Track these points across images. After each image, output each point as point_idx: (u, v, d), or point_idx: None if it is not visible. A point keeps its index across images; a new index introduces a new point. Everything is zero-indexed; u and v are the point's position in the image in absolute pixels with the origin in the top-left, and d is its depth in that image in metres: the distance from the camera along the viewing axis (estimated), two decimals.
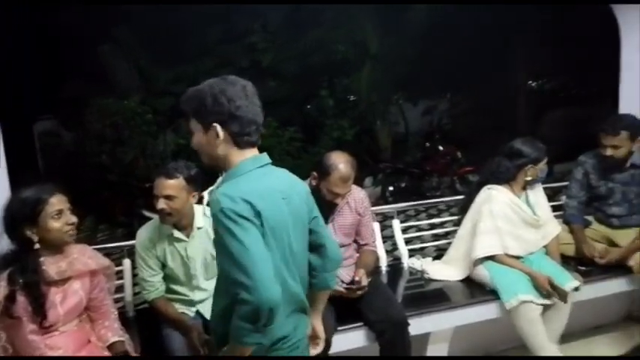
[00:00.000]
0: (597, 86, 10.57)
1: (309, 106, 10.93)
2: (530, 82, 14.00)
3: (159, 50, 9.31)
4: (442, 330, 2.40)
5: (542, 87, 14.28)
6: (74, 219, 1.73)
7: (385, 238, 3.13)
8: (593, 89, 11.32)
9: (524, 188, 2.57)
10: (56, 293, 1.71)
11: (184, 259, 2.08)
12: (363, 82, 10.33)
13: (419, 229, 3.39)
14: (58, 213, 1.67)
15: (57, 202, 1.67)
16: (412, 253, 3.16)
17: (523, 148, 2.48)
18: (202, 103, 1.33)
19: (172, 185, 1.96)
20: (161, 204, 1.96)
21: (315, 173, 2.15)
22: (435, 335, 2.41)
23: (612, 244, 2.74)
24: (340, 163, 2.08)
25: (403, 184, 9.17)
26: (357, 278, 2.10)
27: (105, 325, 1.85)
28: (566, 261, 2.65)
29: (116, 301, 2.69)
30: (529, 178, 2.51)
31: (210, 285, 2.10)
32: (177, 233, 2.07)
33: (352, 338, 2.17)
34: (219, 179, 1.50)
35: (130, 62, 9.22)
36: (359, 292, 2.08)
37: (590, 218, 2.90)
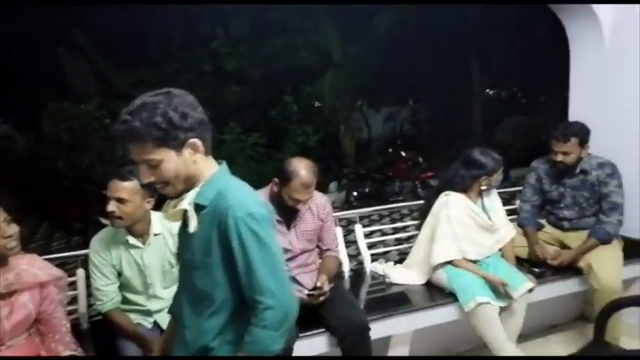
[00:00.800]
0: (549, 95, 11.04)
1: (273, 112, 10.90)
2: (488, 90, 14.51)
3: (119, 53, 9.09)
4: (403, 333, 2.42)
5: (498, 95, 14.80)
6: (11, 230, 1.62)
7: (350, 243, 3.15)
8: (545, 98, 11.83)
9: (479, 194, 2.64)
10: (2, 307, 1.62)
11: (140, 267, 2.02)
12: (327, 88, 10.42)
13: (382, 233, 3.43)
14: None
15: None
16: (376, 257, 3.19)
17: (480, 159, 2.53)
18: (168, 124, 1.18)
19: (125, 188, 1.89)
20: (111, 206, 1.89)
21: (276, 179, 2.14)
22: (396, 338, 2.43)
23: (564, 246, 2.85)
24: (302, 169, 2.07)
25: (367, 189, 9.26)
26: (318, 284, 2.10)
27: (56, 338, 1.77)
28: (520, 263, 2.74)
29: (69, 313, 2.60)
30: (484, 188, 2.59)
31: (169, 294, 2.04)
32: (132, 240, 2.00)
33: (314, 344, 2.16)
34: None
35: (88, 65, 8.94)
36: (321, 298, 2.08)
37: (543, 221, 3.01)
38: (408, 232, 3.16)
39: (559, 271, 2.73)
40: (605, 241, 2.66)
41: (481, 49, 12.36)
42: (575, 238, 2.78)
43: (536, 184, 2.95)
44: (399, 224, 3.34)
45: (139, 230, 2.01)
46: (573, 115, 3.21)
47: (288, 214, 2.21)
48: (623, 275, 2.67)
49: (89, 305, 2.39)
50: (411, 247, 2.88)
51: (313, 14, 9.85)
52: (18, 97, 8.36)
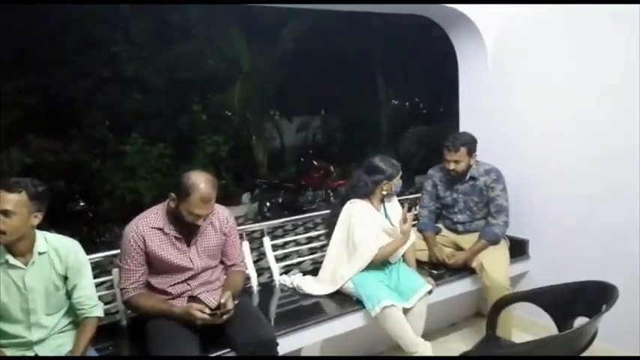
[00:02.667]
0: (447, 106, 11.85)
1: (180, 122, 10.50)
2: (394, 100, 15.26)
3: (4, 59, 8.16)
4: (313, 343, 2.42)
5: (402, 106, 15.64)
6: None
7: (264, 255, 3.09)
8: (444, 108, 12.71)
9: (382, 201, 2.73)
10: None
11: (21, 290, 1.79)
12: (237, 97, 10.27)
13: (297, 243, 3.41)
14: None
15: None
16: (290, 267, 3.16)
17: (379, 165, 2.64)
18: None
19: (12, 200, 1.69)
20: None
21: (173, 195, 2.03)
22: (306, 350, 2.42)
23: (459, 248, 3.04)
24: (201, 183, 1.98)
25: (280, 200, 9.25)
26: (222, 301, 2.02)
27: None
28: (421, 266, 2.88)
29: None
30: (385, 193, 2.69)
31: (52, 321, 1.86)
32: (12, 260, 1.77)
33: None
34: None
35: None
36: (224, 317, 2.00)
37: (440, 225, 3.20)
38: (321, 240, 3.17)
39: (455, 271, 2.90)
40: (494, 241, 2.88)
41: (386, 61, 13.02)
42: (468, 240, 2.97)
43: (433, 190, 3.13)
44: (313, 233, 3.34)
45: (22, 249, 1.79)
46: (463, 126, 3.46)
47: (187, 230, 2.10)
48: (511, 272, 2.91)
49: None
50: (324, 254, 2.89)
51: (219, 21, 9.67)
52: None
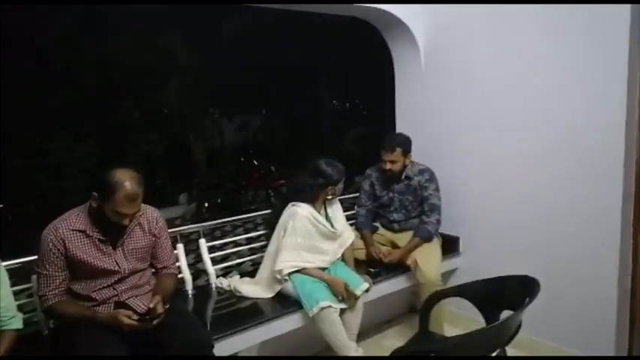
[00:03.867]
0: (385, 107, 12.13)
1: (111, 119, 9.96)
2: (335, 101, 15.44)
3: None
4: (249, 347, 2.37)
5: (343, 107, 15.87)
6: None
7: (201, 257, 2.98)
8: (382, 110, 13.00)
9: (323, 203, 2.74)
10: None
11: None
12: (173, 94, 9.91)
13: (236, 244, 3.34)
14: None
15: None
16: (230, 269, 3.08)
17: (326, 170, 2.63)
18: None
19: None
20: None
21: (95, 194, 1.90)
22: (243, 353, 2.37)
23: (395, 246, 3.11)
24: (125, 180, 1.87)
25: (219, 200, 9.05)
26: (151, 305, 1.92)
27: None
28: (358, 265, 2.92)
29: None
30: (330, 197, 2.69)
31: None
32: None
33: None
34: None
35: None
36: (154, 322, 1.90)
37: (377, 224, 3.26)
38: (262, 241, 3.12)
39: (391, 269, 2.96)
40: (427, 239, 2.97)
41: (327, 61, 13.13)
42: (404, 239, 3.05)
43: (370, 189, 3.18)
44: (253, 234, 3.28)
45: None
46: (399, 127, 3.55)
47: (112, 231, 1.98)
48: (443, 268, 3.02)
49: None
50: (263, 255, 2.85)
51: (153, 15, 9.28)
52: None
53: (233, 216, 3.66)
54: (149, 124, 10.15)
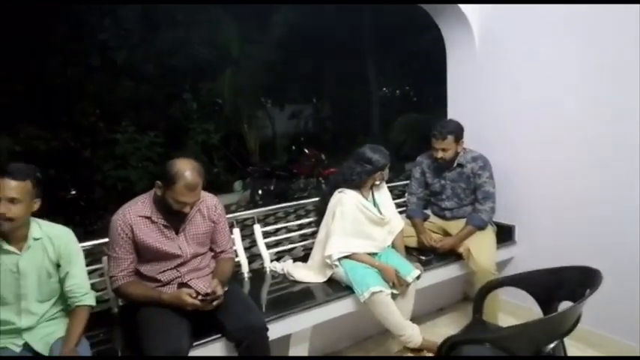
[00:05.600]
0: (436, 94, 11.85)
1: (171, 110, 10.40)
2: (385, 89, 15.23)
3: None
4: (302, 329, 2.45)
5: (393, 94, 15.61)
6: None
7: (255, 242, 3.10)
8: (433, 96, 12.71)
9: (371, 189, 2.75)
10: None
11: (14, 275, 1.80)
12: (227, 85, 10.16)
13: (288, 230, 3.44)
14: None
15: None
16: (282, 254, 3.19)
17: (371, 156, 2.65)
18: None
19: (18, 187, 1.71)
20: (3, 208, 1.70)
21: (159, 183, 2.03)
22: (296, 336, 2.45)
23: (447, 234, 3.08)
24: (186, 170, 1.98)
25: (272, 187, 9.25)
26: (212, 287, 2.04)
27: None
28: (409, 252, 2.92)
29: None
30: (377, 182, 2.71)
31: (43, 309, 1.87)
32: (7, 246, 1.79)
33: (210, 351, 2.10)
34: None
35: None
36: (214, 303, 2.02)
37: (428, 212, 3.23)
38: (312, 227, 3.20)
39: (443, 257, 2.94)
40: (481, 227, 2.91)
41: (377, 49, 12.96)
42: (456, 226, 3.01)
43: (421, 177, 3.15)
44: (304, 220, 3.36)
45: (17, 235, 1.80)
46: (451, 113, 3.47)
47: (175, 217, 2.11)
48: (497, 257, 2.96)
49: None
50: (315, 242, 2.92)
51: (206, 7, 9.53)
52: None
53: (284, 203, 3.78)
54: (206, 114, 10.49)
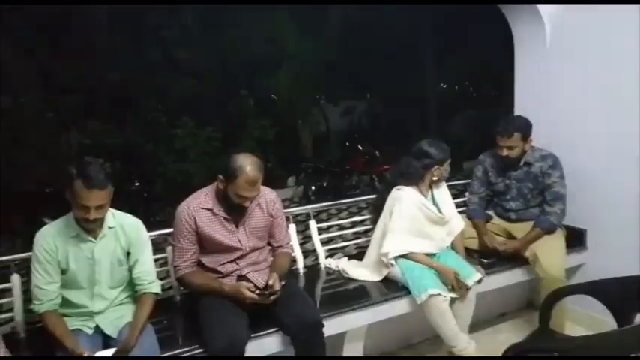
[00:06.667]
0: (498, 89, 11.42)
1: (228, 106, 10.69)
2: (442, 84, 14.83)
3: (60, 44, 8.54)
4: (357, 327, 2.42)
5: (451, 90, 15.16)
6: None
7: (307, 238, 3.12)
8: (495, 92, 12.23)
9: (430, 187, 2.67)
10: None
11: (89, 261, 1.92)
12: (283, 82, 10.30)
13: (340, 227, 3.42)
14: None
15: None
16: (334, 251, 3.18)
17: (429, 150, 2.58)
18: None
19: (104, 195, 1.83)
20: (94, 214, 1.82)
21: (221, 177, 2.07)
22: (351, 333, 2.43)
23: (511, 236, 2.93)
24: (247, 165, 2.02)
25: (325, 184, 9.28)
26: (270, 282, 2.06)
27: None
28: (470, 254, 2.80)
29: (6, 321, 2.45)
30: (435, 178, 2.63)
31: (114, 294, 1.98)
32: (84, 234, 1.91)
33: (266, 344, 2.12)
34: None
35: (27, 57, 8.35)
36: (272, 297, 2.04)
37: (491, 213, 3.09)
38: (366, 225, 3.17)
39: (507, 261, 2.81)
40: (549, 230, 2.75)
41: (434, 44, 12.63)
42: (521, 229, 2.86)
43: (483, 176, 3.02)
44: (357, 218, 3.33)
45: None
46: (518, 110, 3.31)
47: (236, 211, 2.15)
48: (567, 263, 2.79)
49: (27, 312, 2.25)
50: (368, 240, 2.89)
51: (265, 5, 9.68)
52: None
53: (337, 200, 3.76)
54: (261, 110, 10.69)
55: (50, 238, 1.89)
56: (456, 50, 12.63)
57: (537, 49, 3.18)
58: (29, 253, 1.95)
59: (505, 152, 2.77)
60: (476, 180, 3.05)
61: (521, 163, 2.84)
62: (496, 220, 3.05)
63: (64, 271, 1.91)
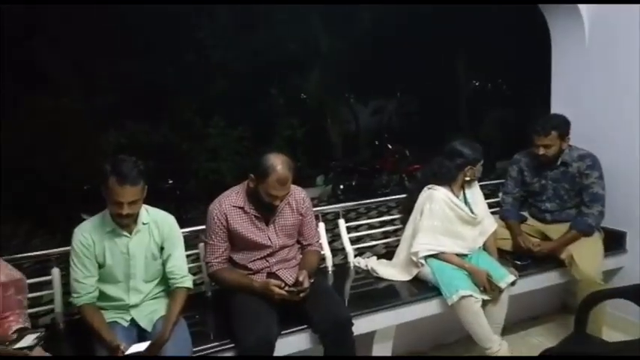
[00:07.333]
0: (532, 88, 11.10)
1: (259, 105, 10.80)
2: (475, 82, 14.54)
3: (98, 45, 8.81)
4: (387, 327, 2.41)
5: (483, 88, 14.84)
6: None
7: (336, 237, 3.12)
8: (529, 90, 11.89)
9: (462, 187, 2.63)
10: None
11: (125, 256, 1.99)
12: (313, 81, 10.33)
13: (369, 226, 3.40)
14: None
15: None
16: (363, 250, 3.17)
17: (463, 150, 2.55)
18: None
19: (137, 191, 1.89)
20: (127, 210, 1.89)
21: (252, 175, 2.10)
22: (380, 333, 2.42)
23: (546, 238, 2.85)
24: (277, 165, 2.04)
25: (354, 182, 9.25)
26: (300, 279, 2.07)
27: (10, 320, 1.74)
28: (503, 256, 2.74)
29: (46, 313, 2.56)
30: (468, 178, 2.58)
31: (149, 288, 2.05)
32: (119, 229, 1.98)
33: (296, 341, 2.14)
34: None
35: (66, 58, 8.67)
36: (301, 295, 2.05)
37: (525, 214, 3.02)
38: (395, 225, 3.14)
39: (541, 263, 2.73)
40: (587, 232, 2.66)
41: (466, 42, 12.39)
42: (557, 230, 2.78)
43: (518, 176, 2.95)
44: (386, 217, 3.31)
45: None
46: (555, 108, 3.22)
47: (266, 209, 2.17)
48: (605, 266, 2.70)
49: (66, 304, 2.34)
50: (397, 239, 2.87)
51: (298, 6, 9.73)
52: None
53: (366, 199, 3.76)
54: (291, 110, 10.76)
55: (87, 234, 1.96)
56: (489, 47, 12.36)
57: (576, 48, 3.11)
58: (68, 248, 2.03)
59: (542, 151, 2.70)
60: (510, 180, 2.97)
61: (558, 163, 2.75)
62: (530, 221, 2.97)
63: (100, 266, 1.98)
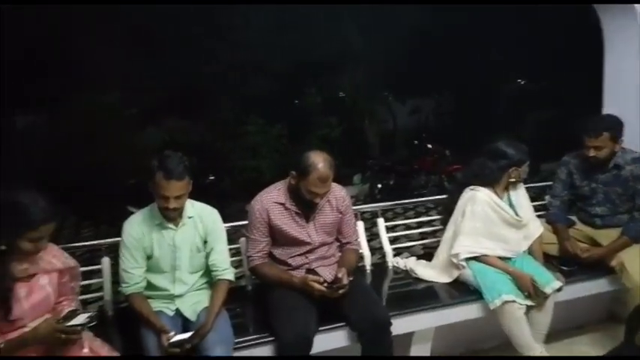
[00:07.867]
0: (580, 88, 10.65)
1: (296, 104, 10.89)
2: (519, 80, 14.09)
3: (140, 45, 9.09)
4: (425, 329, 2.38)
5: (525, 88, 14.38)
6: (45, 245, 1.71)
7: (374, 236, 3.11)
8: (576, 91, 11.40)
9: (506, 189, 2.56)
10: (20, 288, 1.67)
11: (171, 247, 2.06)
12: (350, 80, 10.31)
13: (407, 227, 3.37)
14: (39, 239, 1.65)
15: (44, 230, 1.64)
16: (400, 250, 3.15)
17: (507, 150, 2.48)
18: None
19: (183, 186, 1.96)
20: (173, 204, 1.96)
21: (293, 173, 2.13)
22: (419, 334, 2.40)
23: (595, 244, 2.74)
24: (319, 162, 2.06)
25: (391, 182, 9.15)
26: (339, 275, 2.08)
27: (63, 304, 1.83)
28: (549, 261, 2.65)
29: (95, 300, 2.68)
30: (512, 180, 2.52)
31: (193, 279, 2.11)
32: (166, 222, 2.06)
33: (334, 338, 2.15)
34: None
35: (109, 57, 8.97)
36: (340, 292, 2.06)
37: (573, 218, 2.91)
38: (433, 226, 3.10)
39: (589, 269, 2.63)
40: (639, 239, 2.55)
41: (507, 41, 12.03)
42: (607, 236, 2.66)
43: (567, 179, 2.84)
44: (424, 218, 3.27)
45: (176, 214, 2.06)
46: (607, 108, 3.10)
47: (306, 206, 2.20)
48: None
49: (115, 292, 2.44)
50: (435, 240, 2.83)
51: (334, 5, 9.73)
52: (39, 91, 8.34)
53: (403, 199, 3.72)
54: (329, 108, 10.77)
55: (137, 226, 2.05)
56: (532, 44, 11.96)
57: (631, 48, 3.00)
58: (118, 239, 2.12)
59: (592, 152, 2.59)
60: (558, 182, 2.87)
61: (610, 166, 2.64)
62: (579, 225, 2.86)
63: (149, 257, 2.06)
